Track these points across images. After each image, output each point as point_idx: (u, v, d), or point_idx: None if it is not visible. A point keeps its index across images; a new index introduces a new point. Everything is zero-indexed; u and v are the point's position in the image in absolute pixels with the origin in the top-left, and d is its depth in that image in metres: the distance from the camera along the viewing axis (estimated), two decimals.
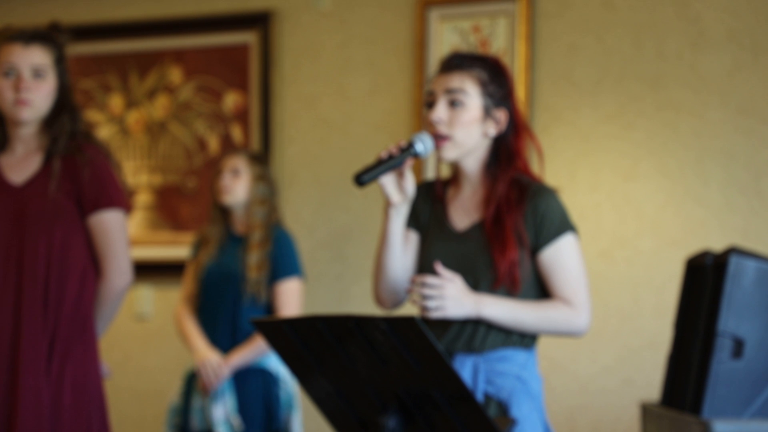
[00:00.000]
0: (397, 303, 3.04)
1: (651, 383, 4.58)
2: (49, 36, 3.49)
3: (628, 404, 4.63)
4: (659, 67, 4.79)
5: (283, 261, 4.43)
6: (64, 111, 3.50)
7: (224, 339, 4.41)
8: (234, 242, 4.49)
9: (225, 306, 4.41)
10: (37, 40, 3.46)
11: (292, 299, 4.42)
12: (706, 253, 3.32)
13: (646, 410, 3.57)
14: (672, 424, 3.28)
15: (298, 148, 5.25)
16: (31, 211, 3.41)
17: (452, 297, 2.82)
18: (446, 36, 4.99)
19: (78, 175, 3.44)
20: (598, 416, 4.77)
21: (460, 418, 2.54)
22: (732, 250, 3.18)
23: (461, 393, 2.49)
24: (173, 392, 4.57)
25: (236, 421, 4.30)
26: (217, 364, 4.32)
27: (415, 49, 5.07)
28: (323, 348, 2.56)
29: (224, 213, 4.54)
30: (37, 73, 3.45)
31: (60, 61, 3.51)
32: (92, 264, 3.48)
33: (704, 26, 4.73)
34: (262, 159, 4.60)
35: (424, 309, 2.83)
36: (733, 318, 3.14)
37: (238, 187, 4.48)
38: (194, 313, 4.50)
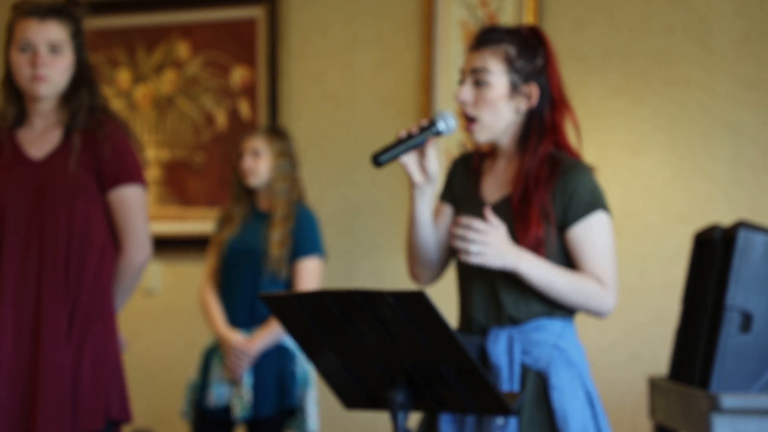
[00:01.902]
0: (433, 279, 3.02)
1: (659, 358, 4.58)
2: (65, 10, 3.47)
3: (636, 379, 4.63)
4: (667, 41, 4.77)
5: (304, 239, 4.43)
6: (82, 86, 3.49)
7: (243, 315, 4.41)
8: (257, 219, 4.49)
9: (245, 282, 4.42)
10: (53, 15, 3.44)
11: (310, 277, 4.42)
12: (714, 228, 3.32)
13: (654, 385, 3.58)
14: (680, 398, 3.28)
15: (305, 124, 5.24)
16: (52, 185, 3.42)
17: (495, 245, 2.76)
18: (454, 10, 4.97)
19: (98, 150, 3.44)
20: (605, 391, 4.75)
21: (469, 393, 2.54)
22: (740, 224, 3.17)
23: (469, 367, 2.49)
24: (193, 369, 4.58)
25: (247, 395, 4.32)
26: (241, 348, 4.32)
27: (422, 24, 5.05)
28: (331, 322, 2.57)
29: (248, 191, 4.54)
30: (54, 49, 3.44)
31: (77, 36, 3.49)
32: (111, 239, 3.48)
33: (712, 0, 4.72)
34: (281, 134, 4.59)
35: (464, 252, 2.78)
36: (742, 292, 3.13)
37: (260, 167, 4.49)
38: (217, 290, 4.51)
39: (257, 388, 4.34)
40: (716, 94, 4.70)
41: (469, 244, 2.76)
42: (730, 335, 3.13)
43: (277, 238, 4.40)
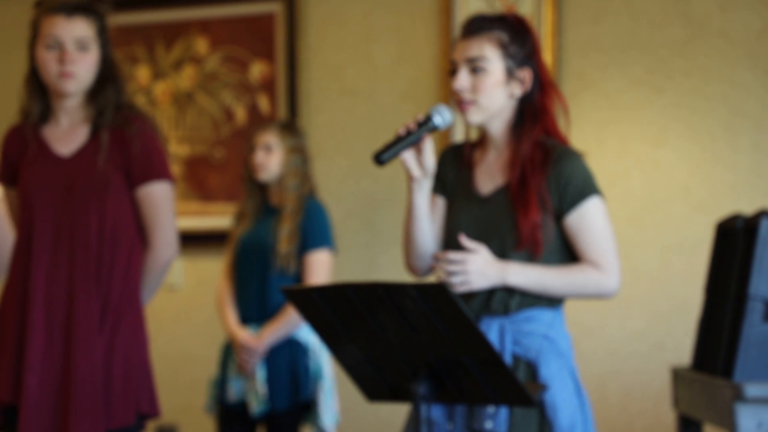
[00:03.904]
0: (429, 271, 3.05)
1: (681, 348, 4.57)
2: (90, 7, 3.48)
3: (659, 369, 4.62)
4: (687, 31, 4.75)
5: (313, 232, 4.43)
6: (108, 82, 3.50)
7: (254, 310, 4.42)
8: (269, 214, 4.49)
9: (255, 277, 4.42)
10: (80, 12, 3.45)
11: (320, 271, 4.42)
12: (736, 217, 3.31)
13: (678, 375, 3.57)
14: (703, 388, 3.27)
15: (324, 118, 5.24)
16: (81, 182, 3.42)
17: (476, 271, 2.83)
18: (472, 2, 4.96)
19: (127, 147, 3.44)
20: (628, 381, 4.76)
21: (491, 384, 2.54)
22: (763, 214, 3.16)
23: (491, 358, 2.49)
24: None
25: (262, 389, 4.33)
26: (249, 346, 4.34)
27: (440, 16, 5.05)
28: (353, 315, 2.57)
29: (260, 186, 4.54)
30: (81, 45, 3.44)
31: (102, 32, 3.50)
32: (138, 235, 3.49)
33: None
34: (293, 129, 4.58)
35: (449, 285, 2.83)
36: (765, 281, 3.12)
37: (271, 163, 4.48)
38: (232, 286, 4.52)
39: (270, 382, 4.35)
40: (737, 84, 4.68)
41: (451, 277, 2.83)
42: (753, 324, 3.12)
43: (285, 233, 4.40)
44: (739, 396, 2.99)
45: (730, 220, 3.35)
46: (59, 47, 3.42)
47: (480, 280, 2.84)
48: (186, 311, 5.46)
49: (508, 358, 2.86)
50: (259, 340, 4.34)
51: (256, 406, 4.33)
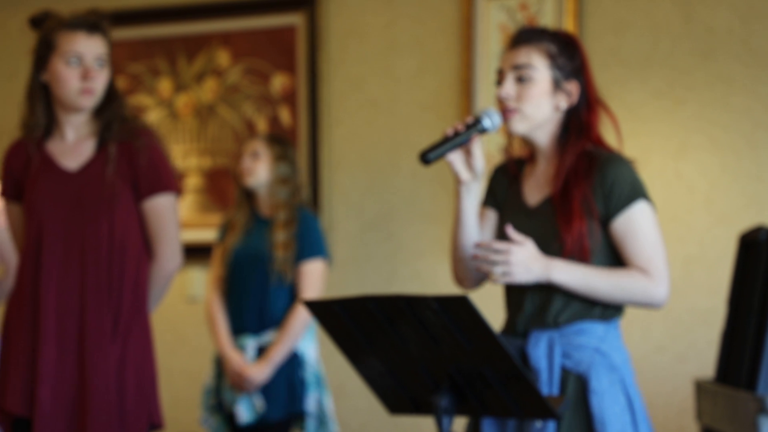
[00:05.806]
0: (478, 282, 3.01)
1: (704, 359, 4.55)
2: (104, 25, 3.53)
3: (682, 381, 4.61)
4: (709, 41, 4.74)
5: (308, 241, 4.43)
6: (113, 97, 3.54)
7: (252, 321, 4.42)
8: (260, 225, 4.50)
9: (253, 288, 4.43)
10: (98, 30, 3.49)
11: (314, 281, 4.42)
12: (759, 229, 3.30)
13: (701, 387, 3.56)
14: (727, 400, 3.26)
15: (345, 130, 5.25)
16: (90, 196, 3.45)
17: (519, 262, 2.77)
18: (493, 14, 4.96)
19: (135, 160, 3.47)
20: (651, 393, 4.74)
21: (513, 397, 2.53)
22: None
23: (513, 371, 2.48)
24: (207, 374, 4.60)
25: (258, 402, 4.33)
26: (251, 378, 4.33)
27: (462, 28, 5.05)
28: (375, 328, 2.57)
29: (249, 196, 4.56)
30: (100, 63, 3.48)
31: (111, 49, 3.55)
32: (145, 246, 3.52)
33: None
34: (282, 140, 4.62)
35: (491, 275, 2.79)
36: None
37: (258, 168, 4.50)
38: (223, 299, 4.53)
39: (265, 393, 4.36)
40: (759, 96, 4.67)
41: (493, 266, 2.78)
42: None
43: (281, 239, 4.41)
44: (763, 409, 2.98)
45: (753, 232, 3.34)
46: (81, 63, 3.45)
47: (523, 273, 2.78)
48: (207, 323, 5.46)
49: (557, 372, 2.82)
50: (261, 370, 4.32)
51: (246, 415, 4.33)
